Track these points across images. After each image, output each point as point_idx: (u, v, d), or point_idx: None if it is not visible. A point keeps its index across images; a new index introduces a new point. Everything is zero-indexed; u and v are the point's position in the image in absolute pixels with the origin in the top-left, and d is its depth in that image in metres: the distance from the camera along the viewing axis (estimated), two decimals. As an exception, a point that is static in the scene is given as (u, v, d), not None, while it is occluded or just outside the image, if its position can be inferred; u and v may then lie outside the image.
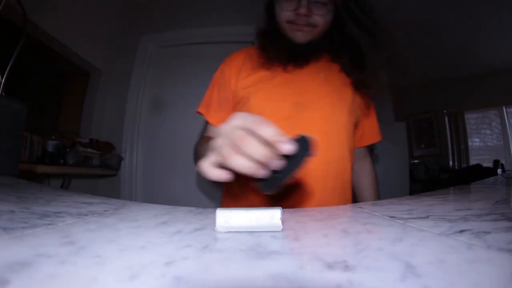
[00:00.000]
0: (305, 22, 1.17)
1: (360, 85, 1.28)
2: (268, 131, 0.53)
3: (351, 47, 1.28)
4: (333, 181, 1.22)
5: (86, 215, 0.54)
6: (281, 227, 0.45)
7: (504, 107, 5.64)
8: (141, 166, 3.24)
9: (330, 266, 0.30)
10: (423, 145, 6.58)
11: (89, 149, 2.82)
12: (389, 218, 0.54)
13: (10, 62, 1.31)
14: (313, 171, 1.16)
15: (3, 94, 1.25)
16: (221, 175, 0.61)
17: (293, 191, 1.16)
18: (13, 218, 0.46)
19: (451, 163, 6.16)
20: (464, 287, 0.25)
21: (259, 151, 0.53)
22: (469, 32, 4.17)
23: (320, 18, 1.18)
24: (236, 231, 0.45)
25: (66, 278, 0.26)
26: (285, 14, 1.19)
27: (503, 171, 4.61)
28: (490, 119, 5.89)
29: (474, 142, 6.05)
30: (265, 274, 0.28)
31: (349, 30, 1.26)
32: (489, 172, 4.70)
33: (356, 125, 1.35)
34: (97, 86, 3.33)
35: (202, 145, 1.14)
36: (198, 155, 1.18)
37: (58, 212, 0.54)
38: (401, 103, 5.10)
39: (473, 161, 5.90)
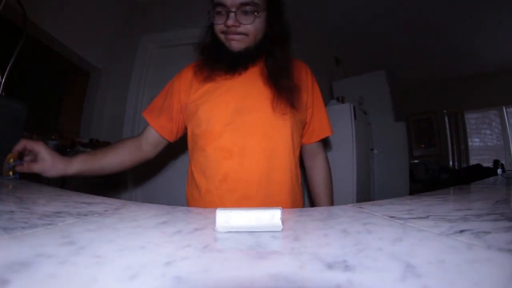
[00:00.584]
0: (235, 32, 1.29)
1: (281, 86, 1.33)
2: None
3: (275, 52, 1.37)
4: (279, 175, 1.30)
5: (86, 215, 0.54)
6: (281, 227, 0.45)
7: (504, 107, 5.65)
8: (141, 166, 3.24)
9: (330, 266, 0.30)
10: (423, 145, 6.58)
11: (89, 149, 2.82)
12: (389, 218, 0.54)
13: (10, 62, 1.31)
14: (255, 165, 1.27)
15: (3, 94, 1.25)
16: None
17: (233, 187, 1.27)
18: (13, 218, 0.46)
19: (451, 163, 6.17)
20: (464, 287, 0.25)
21: None
22: (469, 32, 4.17)
23: (250, 27, 1.29)
24: (236, 231, 0.45)
25: (66, 278, 0.26)
26: (218, 26, 1.32)
27: (503, 171, 4.61)
28: (490, 119, 5.90)
29: (474, 142, 6.06)
30: (265, 274, 0.28)
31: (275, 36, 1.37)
32: (489, 172, 4.70)
33: (303, 124, 1.46)
34: (97, 86, 3.32)
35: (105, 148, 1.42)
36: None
37: (58, 212, 0.54)
38: (401, 103, 5.11)
39: (473, 161, 5.91)
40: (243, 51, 1.32)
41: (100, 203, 0.69)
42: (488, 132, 5.93)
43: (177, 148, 3.15)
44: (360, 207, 0.71)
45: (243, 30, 1.29)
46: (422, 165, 5.86)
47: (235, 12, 1.26)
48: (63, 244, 0.35)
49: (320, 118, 1.52)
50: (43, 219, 0.47)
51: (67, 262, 0.29)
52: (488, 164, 5.35)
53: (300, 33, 3.80)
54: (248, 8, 1.26)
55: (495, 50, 4.80)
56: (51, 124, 3.19)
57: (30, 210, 0.53)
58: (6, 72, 1.28)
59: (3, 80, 1.26)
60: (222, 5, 1.27)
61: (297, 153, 1.40)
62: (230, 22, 1.26)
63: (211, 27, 1.42)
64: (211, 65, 1.36)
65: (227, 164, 1.27)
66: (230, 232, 0.45)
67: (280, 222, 0.45)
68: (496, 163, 5.13)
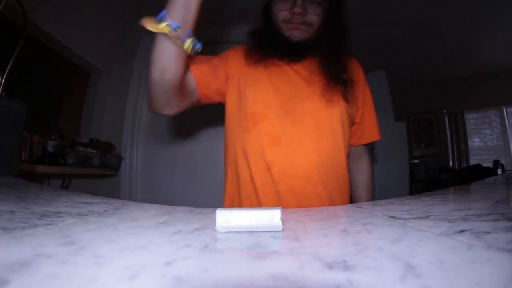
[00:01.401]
0: (300, 21, 1.25)
1: (338, 81, 1.30)
2: None
3: (335, 45, 1.32)
4: (327, 169, 1.24)
5: (86, 215, 0.54)
6: (281, 227, 0.45)
7: (504, 107, 5.65)
8: (141, 166, 3.24)
9: (330, 266, 0.30)
10: (423, 145, 6.58)
11: (89, 149, 2.83)
12: (389, 218, 0.54)
13: (10, 62, 1.31)
14: (304, 158, 1.20)
15: (3, 94, 1.25)
16: None
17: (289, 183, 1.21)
18: (13, 218, 0.46)
19: (451, 163, 6.17)
20: (464, 287, 0.25)
21: None
22: (469, 32, 4.17)
23: (315, 17, 1.26)
24: (236, 231, 0.45)
25: (66, 278, 0.26)
26: (281, 13, 1.27)
27: (503, 171, 4.61)
28: (490, 119, 5.89)
29: (474, 142, 6.06)
30: (265, 274, 0.28)
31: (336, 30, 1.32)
32: (489, 172, 4.70)
33: (353, 122, 1.40)
34: (97, 86, 3.33)
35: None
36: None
37: (58, 212, 0.54)
38: (401, 103, 5.11)
39: (473, 161, 5.91)
40: (304, 41, 1.29)
41: (100, 203, 0.69)
42: (488, 132, 5.93)
43: (177, 147, 3.16)
44: (360, 207, 0.71)
45: (308, 20, 1.26)
46: (422, 165, 5.86)
47: (304, 0, 1.23)
48: (63, 244, 0.36)
49: (371, 120, 1.50)
50: (43, 219, 0.47)
51: (67, 262, 0.29)
52: (488, 164, 5.35)
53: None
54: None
55: (495, 50, 4.80)
56: (51, 124, 3.19)
57: (30, 210, 0.53)
58: (6, 72, 1.28)
59: (3, 80, 1.26)
60: None
61: (347, 151, 1.36)
62: (297, 9, 1.23)
63: (266, 12, 1.39)
64: (264, 51, 1.32)
65: (273, 152, 1.22)
66: (230, 232, 0.45)
67: (280, 222, 0.45)
68: (496, 163, 5.14)
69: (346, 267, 0.29)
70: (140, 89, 3.27)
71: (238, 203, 1.30)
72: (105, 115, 3.33)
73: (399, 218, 0.53)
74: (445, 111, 6.26)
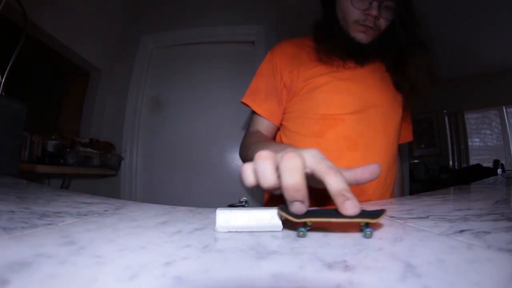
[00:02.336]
0: (372, 23, 1.19)
1: (401, 88, 1.31)
2: (335, 182, 0.46)
3: (398, 51, 1.30)
4: (391, 178, 1.29)
5: (86, 215, 0.54)
6: (281, 227, 0.45)
7: (504, 107, 5.64)
8: (141, 166, 3.24)
9: (330, 266, 0.30)
10: (423, 145, 6.57)
11: (89, 149, 2.83)
12: (389, 218, 0.54)
13: (10, 62, 1.31)
14: (380, 161, 1.16)
15: (3, 94, 1.25)
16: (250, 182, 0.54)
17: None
18: (13, 218, 0.46)
19: (451, 163, 6.16)
20: (464, 287, 0.25)
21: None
22: (469, 32, 4.17)
23: (384, 22, 1.21)
24: (236, 231, 0.45)
25: (66, 278, 0.26)
26: (354, 12, 1.20)
27: (503, 171, 4.61)
28: (490, 119, 5.89)
29: (474, 142, 6.05)
30: (265, 274, 0.28)
31: (398, 35, 1.28)
32: (489, 172, 4.69)
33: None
34: (97, 86, 3.33)
35: (257, 144, 1.12)
36: (250, 152, 1.14)
37: (58, 212, 0.54)
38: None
39: (473, 161, 5.90)
40: (369, 44, 1.25)
41: (100, 203, 0.69)
42: (488, 132, 5.92)
43: (177, 147, 3.16)
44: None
45: (379, 23, 1.21)
46: (422, 165, 5.86)
47: (380, 2, 1.17)
48: (63, 244, 0.35)
49: (408, 122, 1.54)
50: (43, 219, 0.47)
51: (67, 262, 0.29)
52: (488, 164, 5.35)
53: (302, 32, 3.79)
54: (391, 3, 1.20)
55: (495, 50, 4.79)
56: (51, 124, 3.19)
57: (30, 210, 0.53)
58: (6, 72, 1.28)
59: (3, 80, 1.26)
60: None
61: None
62: (374, 12, 1.16)
63: (330, 6, 1.32)
64: (329, 48, 1.26)
65: (351, 156, 1.20)
66: (230, 232, 0.45)
67: (280, 222, 0.45)
68: (496, 163, 5.13)
69: (346, 267, 0.29)
70: (140, 89, 3.27)
71: None
72: (105, 115, 3.33)
73: (399, 218, 0.53)
74: (445, 111, 6.26)
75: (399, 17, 1.25)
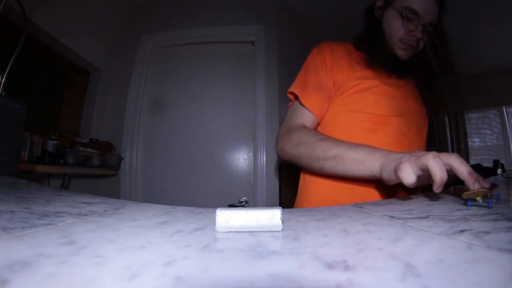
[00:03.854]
0: (414, 43, 1.35)
1: (428, 104, 1.52)
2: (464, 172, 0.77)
3: (427, 70, 1.48)
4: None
5: (85, 215, 0.54)
6: (281, 227, 0.45)
7: (504, 107, 5.64)
8: (141, 166, 3.23)
9: (330, 266, 0.30)
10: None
11: (89, 149, 2.82)
12: (389, 218, 0.54)
13: (10, 62, 1.31)
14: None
15: (3, 93, 1.25)
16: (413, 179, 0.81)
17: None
18: (13, 218, 0.46)
19: (451, 163, 6.15)
20: (464, 287, 0.25)
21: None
22: (469, 32, 4.17)
23: (422, 43, 1.38)
24: (236, 231, 0.45)
25: (66, 278, 0.26)
26: (400, 31, 1.35)
27: (503, 171, 4.60)
28: (490, 119, 5.88)
29: (474, 142, 6.04)
30: (265, 274, 0.28)
31: (429, 56, 1.48)
32: (489, 172, 4.69)
33: None
34: (97, 86, 3.33)
35: (327, 141, 1.19)
36: (311, 148, 1.21)
37: (58, 212, 0.54)
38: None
39: (473, 161, 5.89)
40: (407, 60, 1.40)
41: (100, 203, 0.69)
42: (488, 132, 5.92)
43: (177, 146, 3.16)
44: (360, 207, 0.71)
45: (419, 44, 1.37)
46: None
47: (424, 26, 1.32)
48: (63, 244, 0.36)
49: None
50: (43, 219, 0.47)
51: (67, 262, 0.29)
52: (488, 164, 5.34)
53: (302, 32, 3.80)
54: (430, 28, 1.35)
55: (495, 50, 4.79)
56: (51, 124, 3.19)
57: (30, 210, 0.53)
58: (6, 72, 1.28)
59: (3, 80, 1.26)
60: (416, 13, 1.31)
61: None
62: (419, 34, 1.32)
63: (375, 22, 1.46)
64: (374, 59, 1.38)
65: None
66: (230, 232, 0.45)
67: (280, 222, 0.45)
68: (496, 163, 5.13)
69: (346, 267, 0.29)
70: (140, 89, 3.27)
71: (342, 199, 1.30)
72: (105, 115, 3.32)
73: (399, 218, 0.54)
74: (445, 111, 6.25)
75: (433, 41, 1.41)
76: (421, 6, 1.29)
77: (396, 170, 0.86)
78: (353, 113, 1.35)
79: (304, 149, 1.23)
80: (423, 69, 1.46)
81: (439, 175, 0.75)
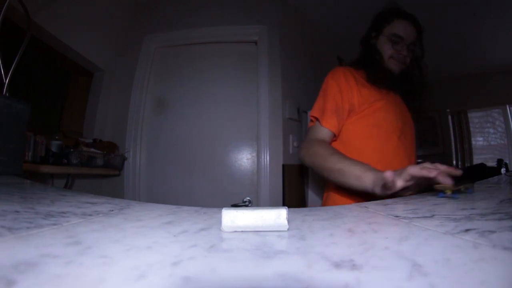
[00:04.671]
0: (402, 59, 1.74)
1: (414, 113, 1.87)
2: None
3: (412, 82, 1.85)
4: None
5: (90, 215, 0.54)
6: (287, 226, 0.45)
7: (507, 106, 5.63)
8: (145, 166, 3.24)
9: (338, 265, 0.30)
10: (426, 144, 6.56)
11: (92, 149, 2.83)
12: (394, 218, 0.54)
13: (14, 63, 1.32)
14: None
15: (7, 94, 1.25)
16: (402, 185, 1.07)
17: None
18: (18, 218, 0.46)
19: (454, 162, 6.14)
20: (470, 286, 0.25)
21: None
22: (473, 31, 4.16)
23: (408, 58, 1.77)
24: (241, 231, 0.45)
25: (73, 278, 0.26)
26: (389, 51, 1.74)
27: (507, 170, 4.59)
28: (493, 118, 5.87)
29: (478, 141, 6.03)
30: (272, 274, 0.28)
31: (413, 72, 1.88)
32: (493, 171, 4.68)
33: None
34: (100, 86, 3.34)
35: (338, 155, 1.45)
36: (329, 161, 1.46)
37: (63, 212, 0.54)
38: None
39: (476, 160, 5.88)
40: (399, 73, 1.77)
41: (105, 203, 0.69)
42: (491, 131, 5.90)
43: (180, 146, 3.16)
44: (365, 207, 0.71)
45: (405, 60, 1.75)
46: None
47: (407, 45, 1.73)
48: (69, 244, 0.36)
49: None
50: (48, 219, 0.47)
51: (73, 262, 0.29)
52: (491, 163, 5.33)
53: (305, 32, 3.79)
54: (412, 46, 1.76)
55: (499, 49, 4.78)
56: (54, 124, 3.19)
57: (34, 210, 0.53)
58: (10, 73, 1.29)
59: (7, 81, 1.26)
60: (400, 37, 1.72)
61: None
62: (404, 52, 1.73)
63: (367, 45, 1.88)
64: (372, 77, 1.72)
65: (406, 160, 1.62)
66: (236, 232, 0.45)
67: (286, 222, 0.45)
68: (500, 162, 5.12)
69: (353, 266, 0.29)
70: (143, 89, 3.27)
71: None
72: (108, 115, 3.33)
73: (404, 218, 0.53)
74: (448, 110, 6.24)
75: (416, 58, 1.84)
76: (404, 32, 1.73)
77: (383, 181, 1.12)
78: (368, 128, 1.65)
79: (318, 160, 1.51)
80: (409, 82, 1.83)
81: (423, 170, 1.01)
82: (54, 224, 0.45)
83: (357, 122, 1.67)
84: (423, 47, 1.86)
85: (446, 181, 0.95)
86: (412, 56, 1.80)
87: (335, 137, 1.69)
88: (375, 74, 1.72)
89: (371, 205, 0.75)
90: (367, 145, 1.63)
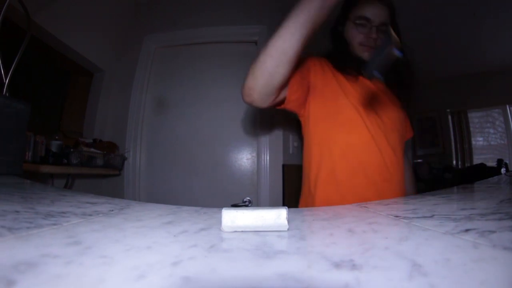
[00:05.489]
0: (372, 43, 1.52)
1: (399, 94, 1.65)
2: None
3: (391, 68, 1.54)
4: (399, 165, 1.50)
5: (90, 215, 0.54)
6: (287, 226, 0.45)
7: (507, 106, 5.63)
8: (145, 166, 3.24)
9: (337, 265, 0.30)
10: (426, 145, 6.56)
11: (92, 149, 2.83)
12: (394, 218, 0.54)
13: (14, 63, 1.32)
14: (393, 158, 1.47)
15: (7, 94, 1.25)
16: None
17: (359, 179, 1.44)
18: (18, 218, 0.46)
19: (454, 162, 6.15)
20: (470, 286, 0.25)
21: None
22: (473, 30, 4.16)
23: (381, 42, 1.49)
24: (241, 231, 0.45)
25: (73, 278, 0.26)
26: (358, 37, 1.55)
27: (507, 170, 4.60)
28: (493, 117, 5.87)
29: (478, 141, 6.04)
30: (272, 274, 0.28)
31: None
32: (493, 171, 4.68)
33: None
34: (100, 86, 3.34)
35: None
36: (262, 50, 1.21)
37: (63, 212, 0.54)
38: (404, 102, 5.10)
39: (476, 160, 5.89)
40: None
41: (105, 203, 0.69)
42: (491, 131, 5.91)
43: (180, 146, 3.16)
44: (365, 206, 0.71)
45: (378, 44, 1.50)
46: (426, 164, 5.85)
47: (377, 27, 1.51)
48: (69, 244, 0.36)
49: (407, 120, 1.75)
50: (48, 219, 0.47)
51: (73, 262, 0.30)
52: (492, 163, 5.33)
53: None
54: (383, 27, 1.51)
55: (499, 49, 4.78)
56: (54, 124, 3.19)
57: (34, 210, 0.53)
58: (10, 73, 1.29)
59: (7, 80, 1.27)
60: (367, 19, 1.52)
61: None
62: (374, 35, 1.51)
63: (336, 35, 1.68)
64: (344, 68, 1.55)
65: (373, 154, 1.45)
66: (236, 232, 0.45)
67: (286, 222, 0.45)
68: (500, 162, 5.12)
69: (353, 266, 0.29)
70: (143, 89, 3.27)
71: (324, 201, 1.45)
72: (108, 115, 3.33)
73: (404, 218, 0.54)
74: (448, 110, 6.25)
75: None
76: (370, 13, 1.51)
77: None
78: (326, 119, 1.51)
79: (258, 59, 1.20)
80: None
81: None
82: (54, 224, 0.45)
83: (319, 107, 1.52)
84: (398, 25, 1.64)
85: None
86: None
87: (285, 95, 1.41)
88: (343, 63, 1.57)
89: (371, 205, 0.75)
90: (332, 134, 1.50)
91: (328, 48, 1.72)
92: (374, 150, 1.44)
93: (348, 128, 1.47)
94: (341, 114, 1.48)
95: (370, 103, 1.50)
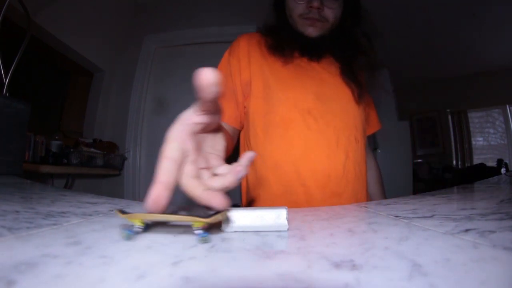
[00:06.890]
0: (317, 16, 1.20)
1: (357, 80, 1.28)
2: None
3: (351, 46, 1.30)
4: (355, 167, 1.22)
5: (91, 215, 0.54)
6: (287, 226, 0.45)
7: (507, 106, 5.63)
8: (144, 166, 3.24)
9: (338, 265, 0.30)
10: (426, 144, 6.56)
11: (92, 149, 2.83)
12: (394, 218, 0.54)
13: (14, 63, 1.32)
14: (342, 157, 1.18)
15: (7, 94, 1.25)
16: None
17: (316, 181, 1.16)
18: (18, 218, 0.46)
19: (454, 162, 6.15)
20: (471, 286, 0.25)
21: None
22: (473, 30, 4.16)
23: (331, 12, 1.22)
24: (241, 231, 0.45)
25: (73, 278, 0.26)
26: (298, 7, 1.22)
27: (507, 170, 4.59)
28: (493, 117, 5.87)
29: (478, 141, 6.04)
30: (272, 274, 0.28)
31: (352, 30, 1.31)
32: (493, 171, 4.68)
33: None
34: (100, 86, 3.34)
35: None
36: None
37: (63, 212, 0.54)
38: (404, 102, 5.10)
39: (476, 160, 5.89)
40: (320, 38, 1.25)
41: (105, 203, 0.69)
42: (491, 131, 5.91)
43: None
44: (365, 207, 0.71)
45: (324, 14, 1.21)
46: (426, 164, 5.85)
47: None
48: (69, 244, 0.36)
49: (373, 111, 1.51)
50: (48, 219, 0.47)
51: (73, 262, 0.29)
52: (491, 163, 5.33)
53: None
54: None
55: (499, 49, 4.78)
56: (54, 124, 3.20)
57: (35, 210, 0.53)
58: (10, 73, 1.29)
59: (7, 81, 1.27)
60: None
61: (366, 146, 1.35)
62: (315, 3, 1.17)
63: (278, 5, 1.36)
64: (283, 49, 1.26)
65: (307, 159, 1.17)
66: (236, 232, 0.45)
67: (286, 222, 0.45)
68: (500, 162, 5.12)
69: (353, 266, 0.29)
70: (143, 89, 3.27)
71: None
72: (108, 115, 3.34)
73: (404, 218, 0.53)
74: (448, 110, 6.25)
75: (346, 9, 1.28)
76: None
77: None
78: (265, 117, 1.24)
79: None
80: (345, 44, 1.30)
81: None
82: (54, 224, 0.45)
83: (255, 110, 1.27)
84: None
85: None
86: (337, 7, 1.24)
87: (240, 129, 1.35)
88: (280, 40, 1.28)
89: (371, 205, 0.75)
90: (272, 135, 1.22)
91: (267, 22, 1.42)
92: (319, 157, 1.18)
93: (282, 131, 1.20)
94: (275, 114, 1.21)
95: (316, 92, 1.22)
